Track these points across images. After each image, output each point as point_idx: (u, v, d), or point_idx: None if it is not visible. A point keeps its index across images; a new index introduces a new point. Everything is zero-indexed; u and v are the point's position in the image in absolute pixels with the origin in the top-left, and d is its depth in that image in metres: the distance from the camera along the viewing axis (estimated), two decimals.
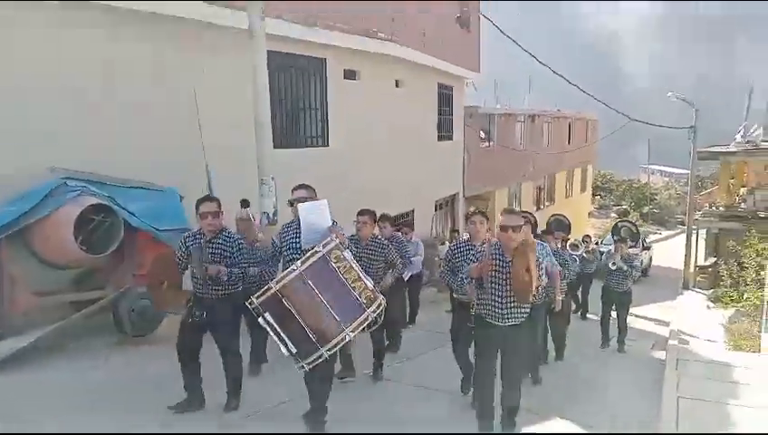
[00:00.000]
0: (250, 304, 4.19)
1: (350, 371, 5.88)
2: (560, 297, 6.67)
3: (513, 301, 4.45)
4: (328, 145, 10.86)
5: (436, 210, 16.06)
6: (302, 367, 4.21)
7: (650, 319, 13.11)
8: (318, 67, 10.57)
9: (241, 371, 5.11)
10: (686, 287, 20.14)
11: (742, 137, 23.13)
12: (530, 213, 12.47)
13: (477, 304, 4.62)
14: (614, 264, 8.90)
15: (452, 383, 5.71)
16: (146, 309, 6.39)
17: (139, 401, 4.89)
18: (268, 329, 4.16)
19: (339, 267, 4.26)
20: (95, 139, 6.85)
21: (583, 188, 32.55)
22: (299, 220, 4.70)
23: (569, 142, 27.79)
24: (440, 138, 15.97)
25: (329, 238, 4.34)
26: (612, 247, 9.52)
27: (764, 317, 9.60)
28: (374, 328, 4.77)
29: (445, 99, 16.14)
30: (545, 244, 6.56)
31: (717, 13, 77.86)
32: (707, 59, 75.25)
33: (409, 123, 13.61)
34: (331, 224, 4.60)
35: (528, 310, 4.58)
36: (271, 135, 7.52)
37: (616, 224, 10.69)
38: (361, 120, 11.58)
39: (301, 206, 4.67)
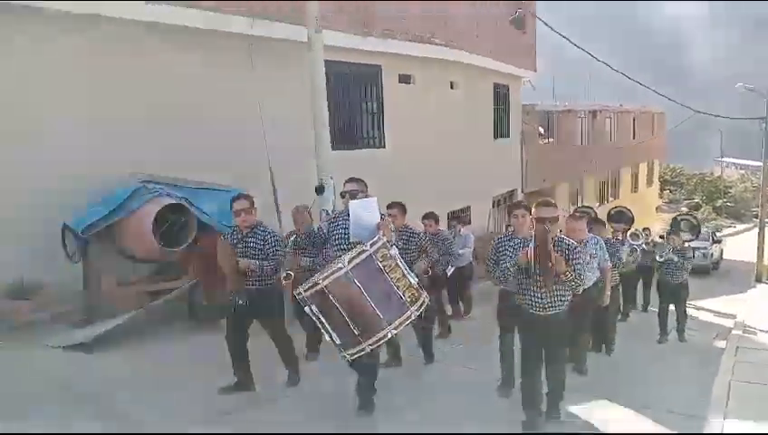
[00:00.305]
0: (298, 294, 4.31)
1: (397, 360, 6.05)
2: (608, 292, 6.54)
3: (553, 290, 4.48)
4: (384, 146, 11.18)
5: (493, 206, 16.05)
6: (345, 357, 4.34)
7: (715, 312, 12.60)
8: (373, 73, 10.91)
9: (293, 350, 5.37)
10: (758, 280, 19.19)
11: None
12: (590, 207, 12.28)
13: (519, 295, 4.66)
14: (661, 256, 8.65)
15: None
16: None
17: (209, 376, 5.30)
18: (314, 318, 4.30)
19: (384, 266, 4.31)
20: (172, 146, 7.43)
21: (650, 183, 31.41)
22: (348, 212, 4.84)
23: (633, 137, 26.96)
24: (497, 136, 15.97)
25: (376, 237, 4.41)
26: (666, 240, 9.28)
27: None
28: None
29: (501, 98, 16.13)
30: (599, 238, 6.46)
31: None
32: None
33: (465, 123, 13.72)
34: (378, 220, 4.68)
35: (568, 298, 4.59)
36: (329, 137, 7.89)
37: (675, 217, 10.31)
38: (417, 121, 11.80)
39: (352, 202, 4.78)
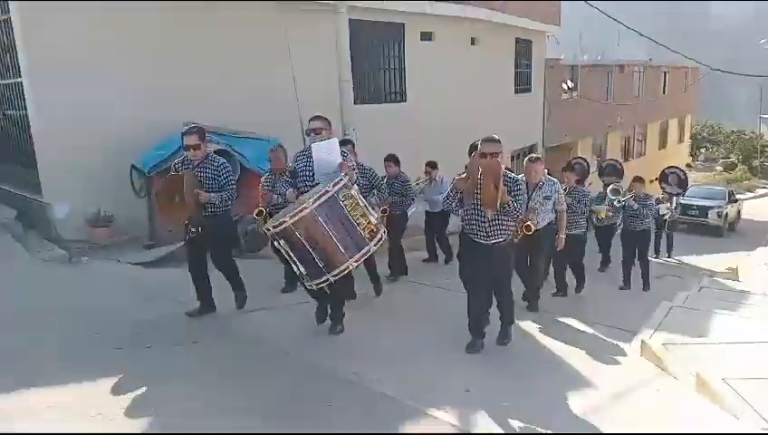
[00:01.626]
0: (266, 230, 4.87)
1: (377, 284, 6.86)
2: (563, 235, 6.95)
3: (495, 220, 4.91)
4: (405, 101, 12.52)
5: (512, 160, 17.25)
6: (310, 286, 4.94)
7: (703, 268, 13.32)
8: (396, 31, 12.18)
9: (237, 274, 5.82)
10: None
11: None
12: (582, 158, 13.35)
13: (464, 225, 5.09)
14: (619, 201, 8.96)
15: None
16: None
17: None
18: (282, 251, 4.84)
19: (346, 205, 4.76)
20: (217, 99, 8.88)
21: (681, 139, 32.02)
22: (311, 149, 5.25)
23: (664, 92, 27.55)
24: (517, 90, 17.07)
25: (338, 177, 4.83)
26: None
27: None
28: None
29: (523, 52, 17.15)
30: (556, 181, 6.93)
31: None
32: None
33: (485, 77, 14.89)
34: (340, 160, 5.11)
35: (511, 229, 5.07)
36: (352, 92, 9.24)
37: (663, 170, 11.16)
38: (437, 76, 13.06)
39: (314, 145, 5.19)
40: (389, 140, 9.28)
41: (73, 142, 7.70)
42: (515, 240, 5.78)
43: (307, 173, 5.22)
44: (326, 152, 5.12)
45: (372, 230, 4.86)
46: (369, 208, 4.98)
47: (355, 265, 4.83)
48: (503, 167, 4.88)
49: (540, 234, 6.26)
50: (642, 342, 5.86)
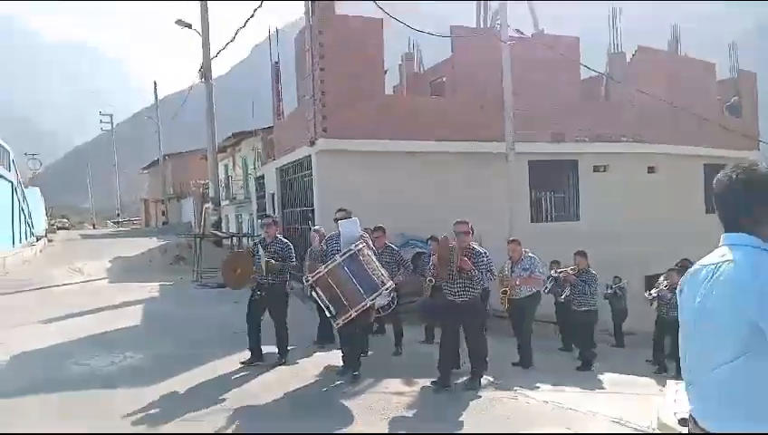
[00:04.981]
0: (306, 280, 6.55)
1: (399, 348, 8.48)
2: (508, 284, 8.48)
3: (461, 283, 6.51)
4: (579, 219, 16.26)
5: None
6: (338, 323, 6.44)
7: None
8: (571, 166, 16.28)
9: (287, 336, 7.50)
10: None
11: None
12: (687, 259, 14.90)
13: (442, 286, 6.81)
14: (650, 294, 10.33)
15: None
16: None
17: None
18: (317, 299, 6.46)
19: (364, 260, 6.47)
20: (426, 217, 13.97)
21: None
22: (339, 233, 7.14)
23: None
24: (710, 210, 19.03)
25: (358, 243, 6.61)
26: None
27: None
28: (389, 311, 7.83)
29: (714, 175, 19.11)
30: (534, 256, 8.75)
31: None
32: None
33: (666, 200, 17.37)
34: (360, 233, 7.00)
35: (474, 291, 6.58)
36: (528, 216, 13.54)
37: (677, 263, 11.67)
38: (611, 198, 16.26)
39: (340, 222, 7.19)
40: (564, 252, 12.07)
41: None
42: (505, 307, 8.46)
43: (336, 249, 7.07)
44: (350, 225, 7.22)
45: (383, 281, 6.64)
46: (380, 266, 6.87)
47: (371, 302, 6.52)
48: (471, 243, 6.77)
49: (522, 303, 8.40)
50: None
